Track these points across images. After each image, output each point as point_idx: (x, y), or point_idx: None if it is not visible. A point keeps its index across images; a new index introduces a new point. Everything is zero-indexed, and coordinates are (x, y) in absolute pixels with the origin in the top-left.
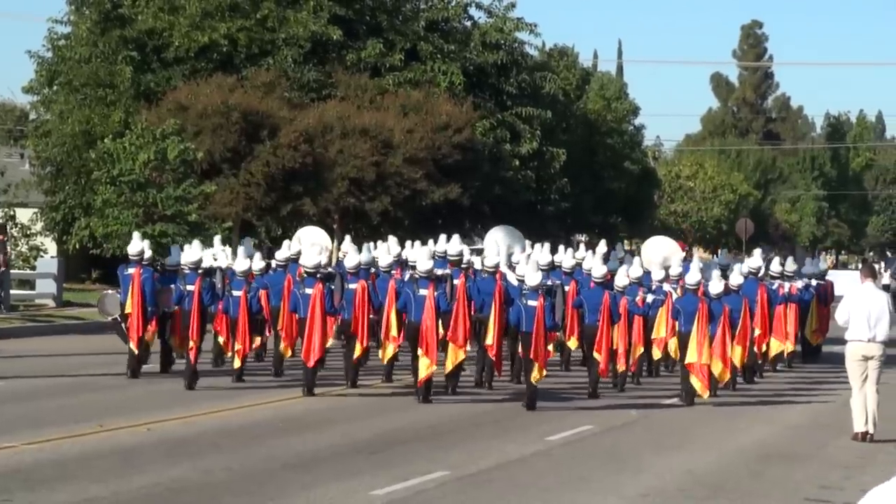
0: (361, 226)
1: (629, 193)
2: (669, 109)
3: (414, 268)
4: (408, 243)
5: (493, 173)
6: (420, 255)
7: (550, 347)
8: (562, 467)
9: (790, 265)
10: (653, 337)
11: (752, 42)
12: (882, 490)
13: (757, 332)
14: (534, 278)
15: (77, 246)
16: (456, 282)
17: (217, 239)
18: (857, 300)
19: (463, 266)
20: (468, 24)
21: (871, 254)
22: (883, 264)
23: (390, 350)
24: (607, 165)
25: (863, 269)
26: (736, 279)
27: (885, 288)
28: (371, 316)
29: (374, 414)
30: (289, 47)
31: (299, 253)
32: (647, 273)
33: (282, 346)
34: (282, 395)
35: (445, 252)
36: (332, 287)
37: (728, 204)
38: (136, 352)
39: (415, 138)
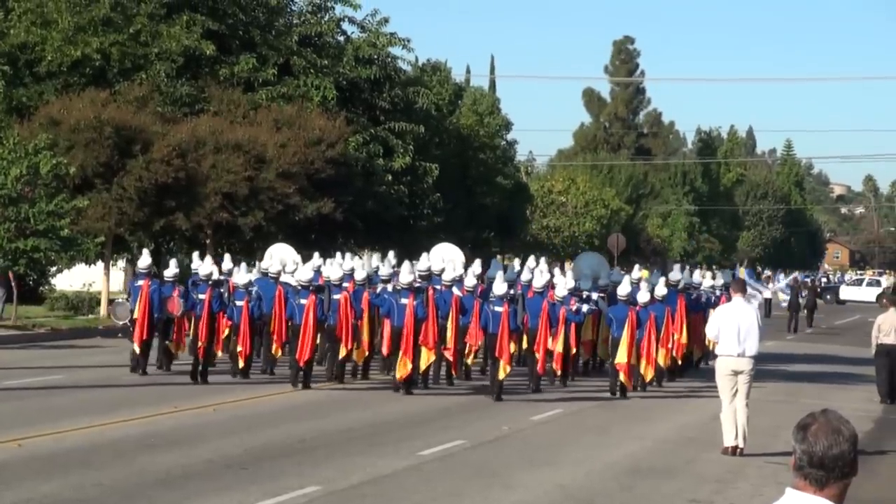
0: (234, 241)
1: (502, 208)
2: (542, 124)
3: (387, 280)
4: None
5: (366, 188)
6: (403, 269)
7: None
8: (433, 482)
9: (695, 278)
10: (582, 340)
11: (624, 57)
12: None
13: (679, 337)
14: (500, 288)
15: None
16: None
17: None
18: (726, 315)
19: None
20: (341, 38)
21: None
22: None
23: (360, 353)
24: (480, 180)
25: (733, 284)
26: (660, 290)
27: (767, 301)
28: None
29: (246, 429)
30: (162, 62)
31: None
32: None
33: (273, 347)
34: (153, 411)
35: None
36: (323, 297)
37: (600, 219)
38: (139, 352)
39: (288, 153)
